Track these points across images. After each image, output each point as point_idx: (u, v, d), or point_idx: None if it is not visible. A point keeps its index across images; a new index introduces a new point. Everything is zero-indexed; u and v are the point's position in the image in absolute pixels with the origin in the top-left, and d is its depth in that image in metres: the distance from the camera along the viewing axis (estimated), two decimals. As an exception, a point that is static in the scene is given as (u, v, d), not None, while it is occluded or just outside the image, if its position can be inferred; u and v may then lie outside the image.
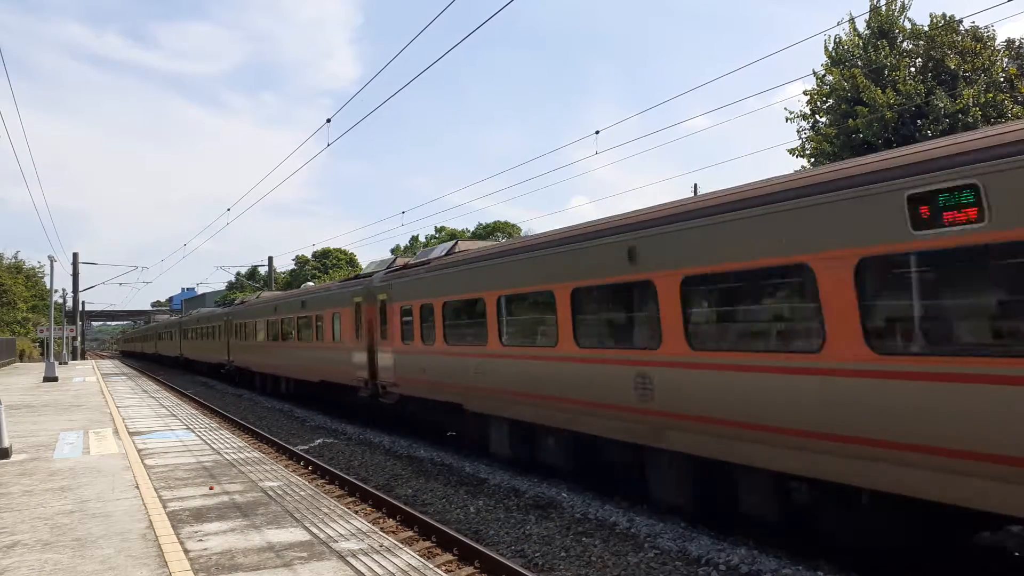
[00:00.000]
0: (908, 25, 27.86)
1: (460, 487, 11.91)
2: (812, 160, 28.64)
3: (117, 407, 20.03)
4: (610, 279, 9.66)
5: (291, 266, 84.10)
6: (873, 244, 6.18)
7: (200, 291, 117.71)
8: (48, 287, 50.11)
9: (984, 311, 5.93)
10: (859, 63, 27.33)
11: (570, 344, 10.24)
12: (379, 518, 10.46)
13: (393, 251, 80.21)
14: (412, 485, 12.39)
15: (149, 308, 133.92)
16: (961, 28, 26.80)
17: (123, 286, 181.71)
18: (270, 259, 58.76)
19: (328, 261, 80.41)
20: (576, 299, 10.27)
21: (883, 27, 27.78)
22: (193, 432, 14.84)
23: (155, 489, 9.18)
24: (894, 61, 26.75)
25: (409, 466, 13.89)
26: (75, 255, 55.26)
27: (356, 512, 10.39)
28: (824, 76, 28.82)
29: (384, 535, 7.04)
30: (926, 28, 27.15)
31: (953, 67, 25.79)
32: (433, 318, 14.42)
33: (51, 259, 43.95)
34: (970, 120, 24.19)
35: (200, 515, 7.82)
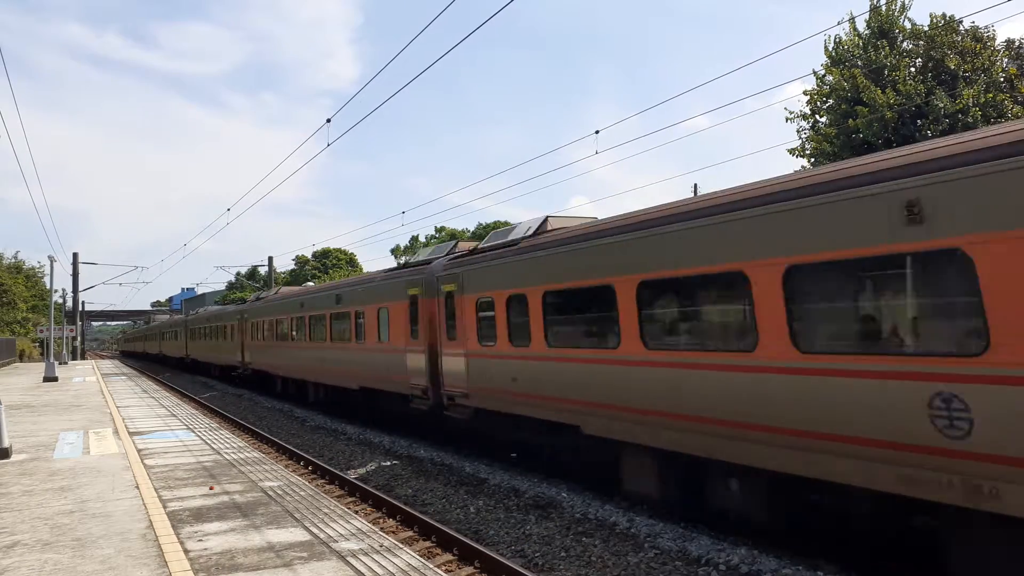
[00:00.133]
0: (908, 25, 27.85)
1: (460, 487, 11.91)
2: (812, 160, 28.64)
3: (117, 407, 20.02)
4: (867, 250, 6.47)
5: (291, 266, 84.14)
6: None
7: (200, 291, 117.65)
8: (48, 287, 50.15)
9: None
10: (859, 63, 27.32)
11: (783, 346, 7.21)
12: (379, 518, 10.47)
13: (393, 251, 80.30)
14: (412, 485, 12.39)
15: (149, 308, 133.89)
16: (961, 28, 26.79)
17: (123, 286, 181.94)
18: (270, 259, 58.73)
19: (328, 261, 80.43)
20: (796, 281, 7.17)
21: (883, 27, 27.77)
22: (193, 432, 14.84)
23: (155, 489, 9.18)
24: (894, 61, 26.74)
25: (409, 466, 13.89)
26: (75, 255, 55.26)
27: (356, 512, 10.40)
28: (824, 76, 28.81)
29: (384, 535, 7.04)
30: (926, 28, 27.13)
31: (953, 67, 25.78)
32: (528, 313, 11.40)
33: (51, 259, 43.97)
34: (970, 120, 24.18)
35: (200, 515, 7.82)
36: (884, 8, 27.68)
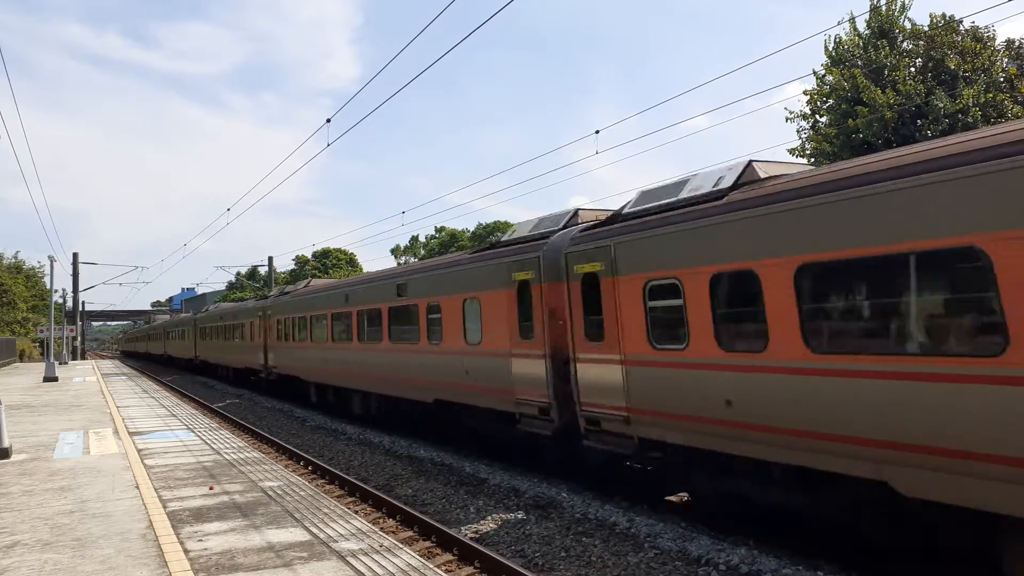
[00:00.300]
0: (908, 25, 27.87)
1: (460, 487, 11.91)
2: (812, 160, 28.64)
3: (117, 407, 20.03)
4: None
5: (291, 266, 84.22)
6: None
7: (200, 291, 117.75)
8: (48, 287, 50.18)
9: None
10: (859, 63, 27.33)
11: None
12: (379, 518, 10.47)
13: (393, 251, 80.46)
14: (412, 485, 12.39)
15: (149, 308, 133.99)
16: (961, 28, 26.79)
17: (123, 286, 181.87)
18: (270, 259, 58.73)
19: (328, 261, 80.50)
20: None
21: (883, 27, 27.78)
22: (193, 432, 14.84)
23: (155, 489, 9.18)
24: (894, 61, 26.74)
25: (409, 466, 13.89)
26: (75, 255, 55.27)
27: (356, 512, 10.41)
28: (824, 76, 28.82)
29: (384, 535, 7.04)
30: (926, 28, 27.14)
31: (953, 67, 25.79)
32: (763, 299, 7.59)
33: (51, 259, 43.96)
34: (970, 120, 24.19)
35: (200, 515, 7.82)
36: (884, 8, 27.69)
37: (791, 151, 29.75)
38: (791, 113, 30.61)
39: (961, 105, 24.57)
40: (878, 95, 25.58)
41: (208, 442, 13.37)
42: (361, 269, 77.69)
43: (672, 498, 10.74)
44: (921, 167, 6.24)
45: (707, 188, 8.89)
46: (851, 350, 6.77)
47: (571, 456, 11.52)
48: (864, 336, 6.82)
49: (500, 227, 69.84)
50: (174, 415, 18.29)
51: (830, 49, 28.64)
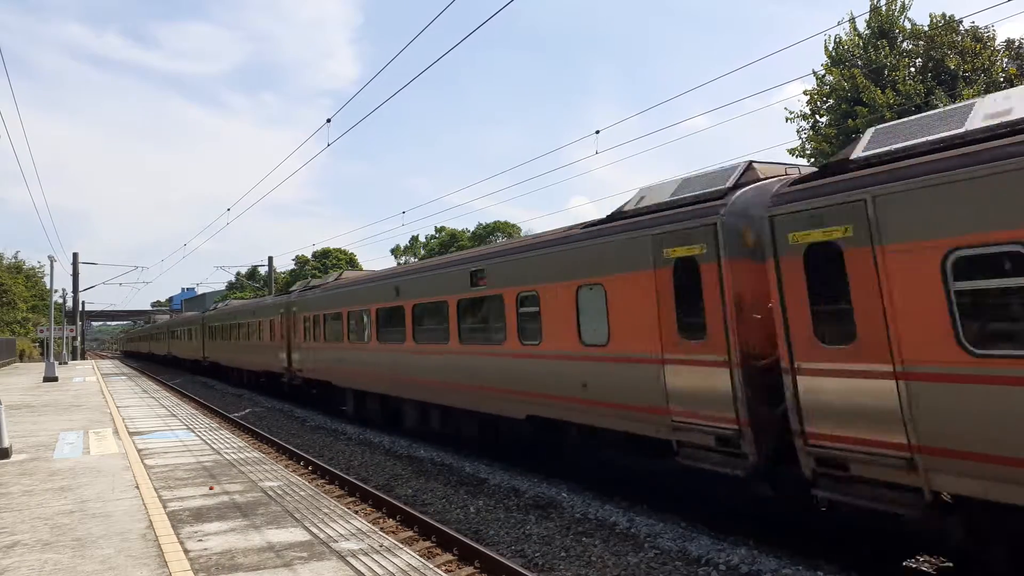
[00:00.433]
0: (908, 25, 27.89)
1: (460, 487, 11.91)
2: (812, 160, 28.64)
3: (117, 407, 20.03)
4: None
5: (291, 266, 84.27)
6: None
7: (200, 291, 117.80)
8: (48, 287, 50.15)
9: None
10: (859, 63, 27.34)
11: None
12: (379, 518, 10.47)
13: (393, 251, 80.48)
14: (412, 485, 12.39)
15: (149, 308, 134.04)
16: (961, 28, 26.81)
17: (123, 286, 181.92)
18: (270, 259, 58.74)
19: (328, 261, 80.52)
20: None
21: (883, 27, 27.80)
22: (193, 432, 14.84)
23: (155, 489, 9.18)
24: (894, 61, 26.76)
25: (409, 466, 13.89)
26: (75, 255, 55.26)
27: (356, 512, 10.42)
28: (824, 76, 28.84)
29: (384, 535, 7.04)
30: (926, 28, 27.16)
31: (953, 67, 25.80)
32: None
33: (51, 259, 43.92)
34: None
35: (200, 515, 7.82)
36: (884, 8, 27.70)
37: (791, 151, 29.78)
38: (791, 113, 30.66)
39: (961, 105, 24.56)
40: (878, 95, 25.59)
41: (208, 442, 13.37)
42: (361, 269, 77.68)
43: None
44: None
45: None
46: None
47: (768, 503, 8.71)
48: None
49: (500, 227, 69.89)
50: (174, 415, 18.29)
51: (830, 49, 28.66)
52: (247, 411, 25.32)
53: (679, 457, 8.84)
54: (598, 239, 10.29)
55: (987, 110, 6.60)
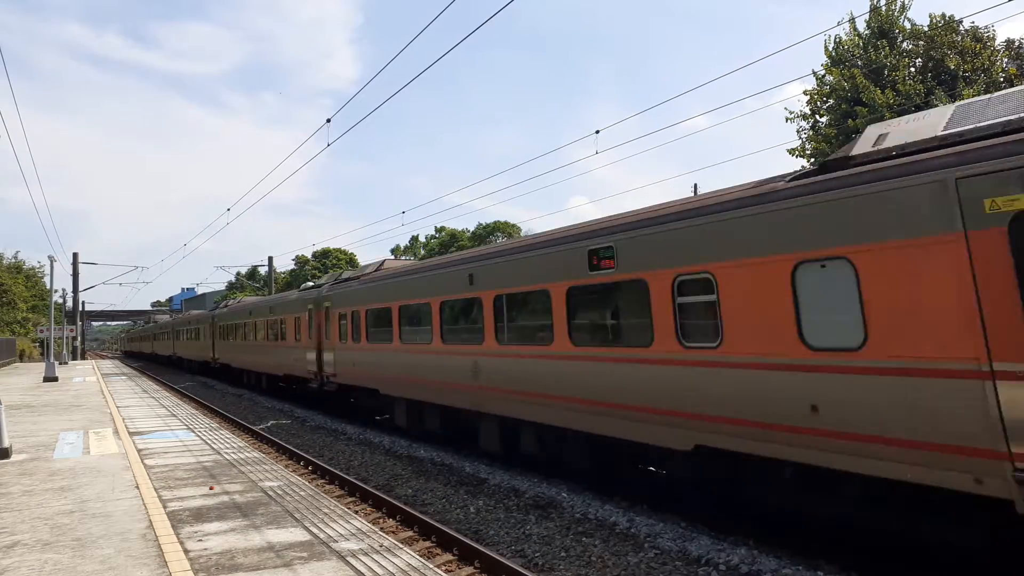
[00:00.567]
0: (908, 25, 27.89)
1: (460, 487, 11.92)
2: (812, 160, 28.65)
3: (117, 407, 20.03)
4: None
5: (291, 266, 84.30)
6: None
7: (200, 291, 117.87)
8: (48, 287, 50.15)
9: None
10: (859, 63, 27.35)
11: None
12: (379, 518, 10.47)
13: (393, 251, 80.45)
14: (412, 485, 12.39)
15: (149, 308, 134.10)
16: (961, 28, 26.81)
17: (123, 286, 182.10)
18: (270, 259, 58.79)
19: (328, 261, 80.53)
20: None
21: (883, 27, 27.80)
22: (193, 432, 14.84)
23: (155, 489, 9.18)
24: (894, 61, 26.77)
25: (409, 466, 13.90)
26: (75, 255, 55.30)
27: (356, 512, 10.42)
28: (824, 76, 28.84)
29: (384, 535, 7.04)
30: (926, 28, 27.17)
31: (953, 67, 25.80)
32: None
33: (51, 259, 43.93)
34: (970, 120, 24.18)
35: (200, 515, 7.82)
36: (884, 8, 27.70)
37: (791, 151, 29.79)
38: (791, 113, 30.66)
39: (961, 105, 24.56)
40: (878, 95, 25.59)
41: (208, 442, 13.37)
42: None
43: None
44: None
45: None
46: None
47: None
48: None
49: (500, 227, 69.88)
50: (174, 415, 18.29)
51: (830, 49, 28.67)
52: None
53: None
54: (835, 192, 7.07)
55: None
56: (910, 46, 27.85)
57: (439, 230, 75.61)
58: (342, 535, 6.96)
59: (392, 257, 23.26)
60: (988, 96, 6.93)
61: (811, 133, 29.77)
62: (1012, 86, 25.88)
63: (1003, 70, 26.38)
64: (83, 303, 74.61)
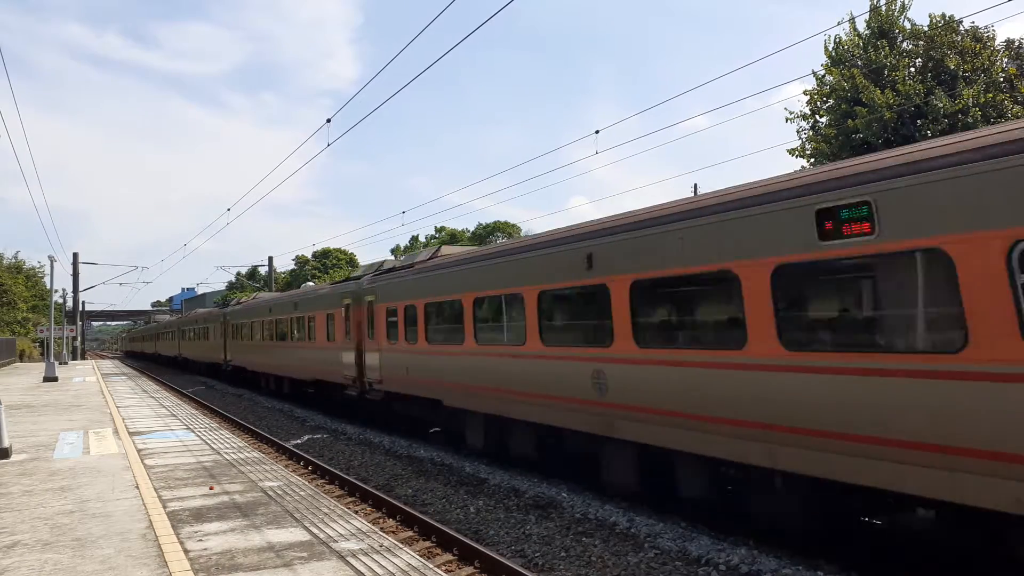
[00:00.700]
0: (908, 25, 27.89)
1: (460, 487, 11.91)
2: (812, 160, 28.65)
3: (117, 407, 20.03)
4: None
5: (291, 266, 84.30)
6: None
7: (200, 291, 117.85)
8: (48, 287, 50.16)
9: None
10: (859, 63, 27.35)
11: None
12: (379, 518, 10.47)
13: (393, 251, 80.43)
14: (412, 485, 12.39)
15: (149, 308, 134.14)
16: (961, 28, 26.81)
17: (123, 286, 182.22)
18: (270, 259, 58.84)
19: (328, 261, 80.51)
20: None
21: (883, 27, 27.79)
22: (193, 432, 14.84)
23: (155, 489, 9.18)
24: (894, 61, 26.76)
25: (409, 466, 13.90)
26: (75, 255, 55.33)
27: (356, 512, 10.41)
28: (824, 76, 28.84)
29: (384, 535, 7.05)
30: (926, 28, 27.16)
31: (953, 67, 25.79)
32: None
33: (51, 259, 43.95)
34: (970, 120, 24.19)
35: (200, 515, 7.82)
36: (884, 8, 27.70)
37: (791, 151, 29.80)
38: (791, 113, 30.65)
39: (961, 105, 24.57)
40: (877, 95, 25.59)
41: (208, 442, 13.37)
42: (360, 270, 77.60)
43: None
44: None
45: None
46: None
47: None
48: None
49: (500, 227, 69.89)
50: (174, 415, 18.29)
51: (830, 49, 28.65)
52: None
53: None
54: None
55: None
56: (910, 46, 27.84)
57: (439, 230, 75.60)
58: (342, 535, 6.96)
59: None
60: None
61: (811, 133, 29.78)
62: (1012, 86, 25.93)
63: (1003, 70, 26.39)
64: (83, 303, 74.68)
